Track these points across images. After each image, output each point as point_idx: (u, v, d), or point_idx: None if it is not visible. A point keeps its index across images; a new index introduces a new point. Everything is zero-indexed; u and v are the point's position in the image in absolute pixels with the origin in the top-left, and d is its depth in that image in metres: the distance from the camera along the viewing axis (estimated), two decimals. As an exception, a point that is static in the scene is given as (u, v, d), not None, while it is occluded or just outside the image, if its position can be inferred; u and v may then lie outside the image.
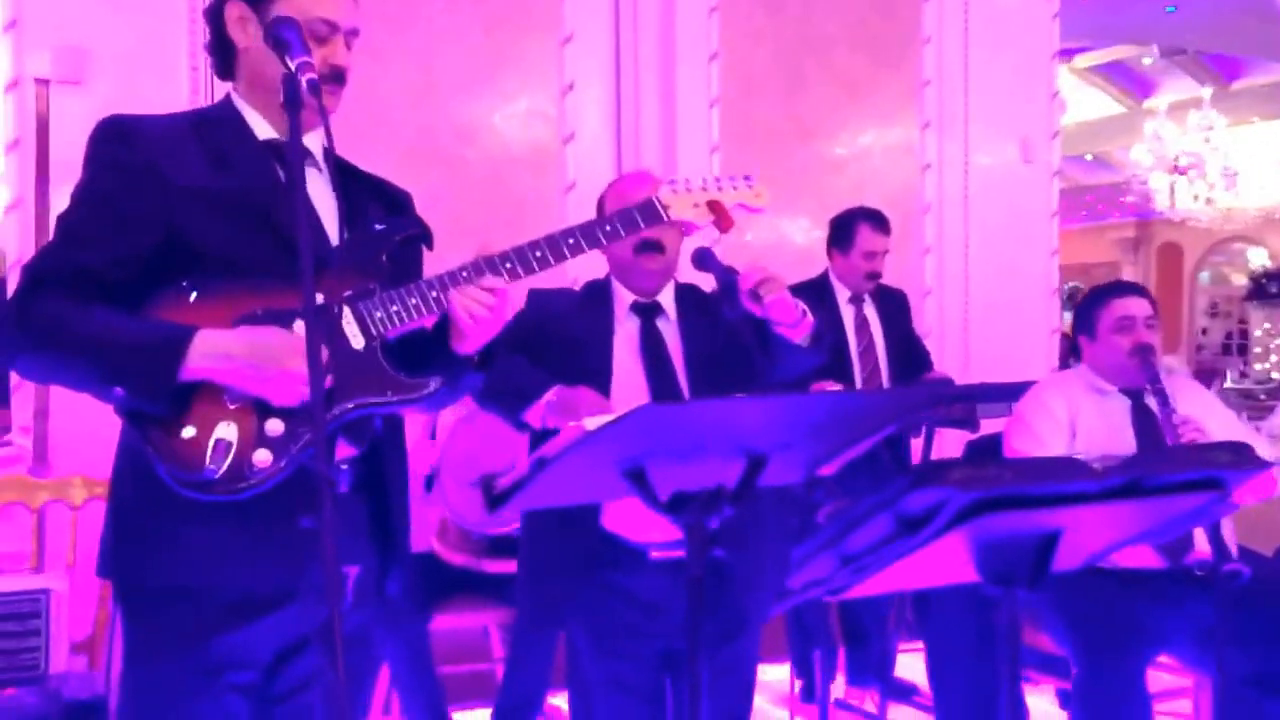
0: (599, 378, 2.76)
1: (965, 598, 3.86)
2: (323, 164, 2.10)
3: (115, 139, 2.00)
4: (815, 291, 4.61)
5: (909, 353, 4.75)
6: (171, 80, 4.42)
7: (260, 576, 1.95)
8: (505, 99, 5.22)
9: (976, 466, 1.79)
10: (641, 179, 2.85)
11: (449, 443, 3.84)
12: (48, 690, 2.84)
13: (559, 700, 4.43)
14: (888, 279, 4.80)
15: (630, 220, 2.23)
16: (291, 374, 1.87)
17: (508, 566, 3.93)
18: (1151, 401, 3.51)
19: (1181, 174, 10.46)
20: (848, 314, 4.66)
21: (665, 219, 2.26)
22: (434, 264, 2.14)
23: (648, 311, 2.88)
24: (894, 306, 4.80)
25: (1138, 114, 13.55)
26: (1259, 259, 16.94)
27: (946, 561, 2.05)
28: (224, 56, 2.13)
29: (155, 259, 1.95)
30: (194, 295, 1.95)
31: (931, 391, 2.52)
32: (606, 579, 2.76)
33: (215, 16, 2.11)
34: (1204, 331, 17.74)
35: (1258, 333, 16.21)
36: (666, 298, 2.92)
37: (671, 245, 2.87)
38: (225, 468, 1.86)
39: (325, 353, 1.87)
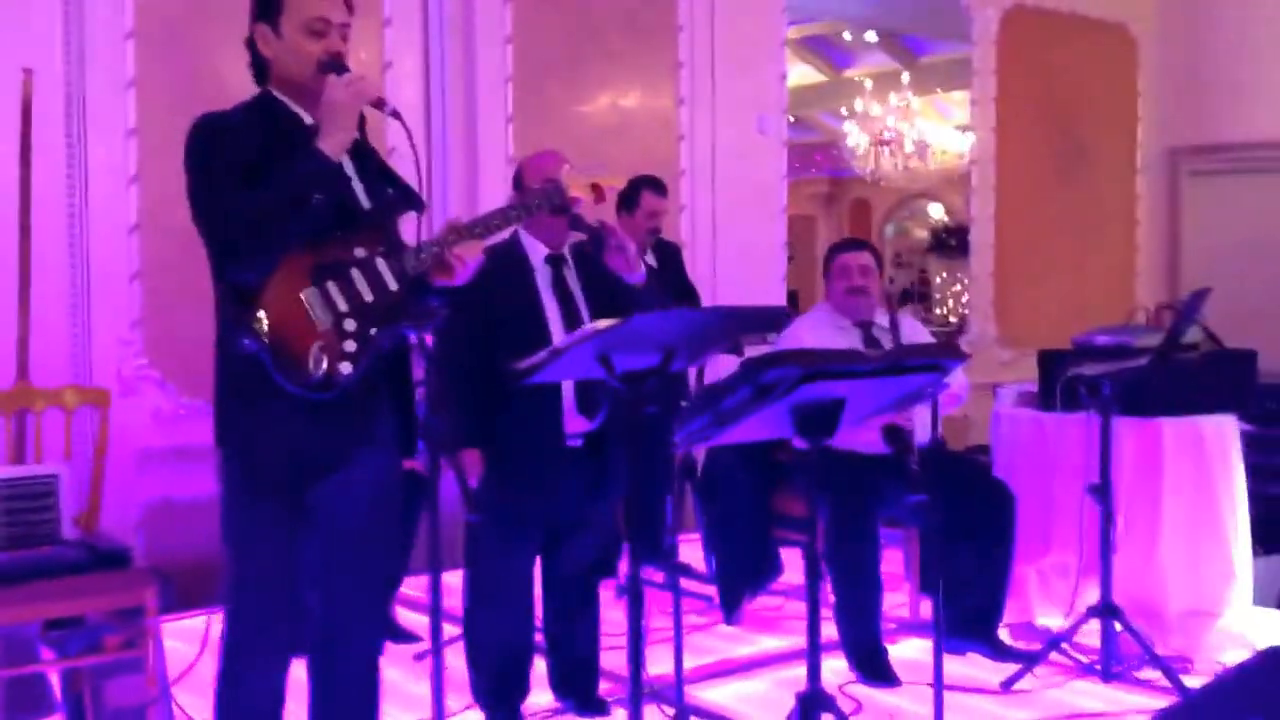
0: (534, 316, 3.74)
1: (741, 479, 4.99)
2: None
3: (214, 133, 2.81)
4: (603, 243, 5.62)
5: (683, 294, 5.82)
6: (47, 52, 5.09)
7: (338, 440, 2.85)
8: (331, 73, 6.00)
9: (804, 355, 2.87)
10: (554, 158, 3.80)
11: None
12: (83, 544, 3.66)
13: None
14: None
15: (547, 198, 3.20)
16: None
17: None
18: (877, 330, 4.68)
19: (885, 145, 12.05)
20: (631, 263, 5.67)
21: (567, 196, 3.24)
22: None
23: (557, 262, 3.85)
24: (669, 257, 5.88)
25: (838, 83, 15.07)
26: (937, 213, 18.79)
27: (774, 421, 3.12)
28: (259, 68, 2.98)
29: None
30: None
31: (769, 312, 3.60)
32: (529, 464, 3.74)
33: (250, 42, 2.97)
34: (891, 280, 19.54)
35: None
36: (565, 251, 3.90)
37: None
38: (322, 374, 2.72)
39: (370, 294, 2.79)
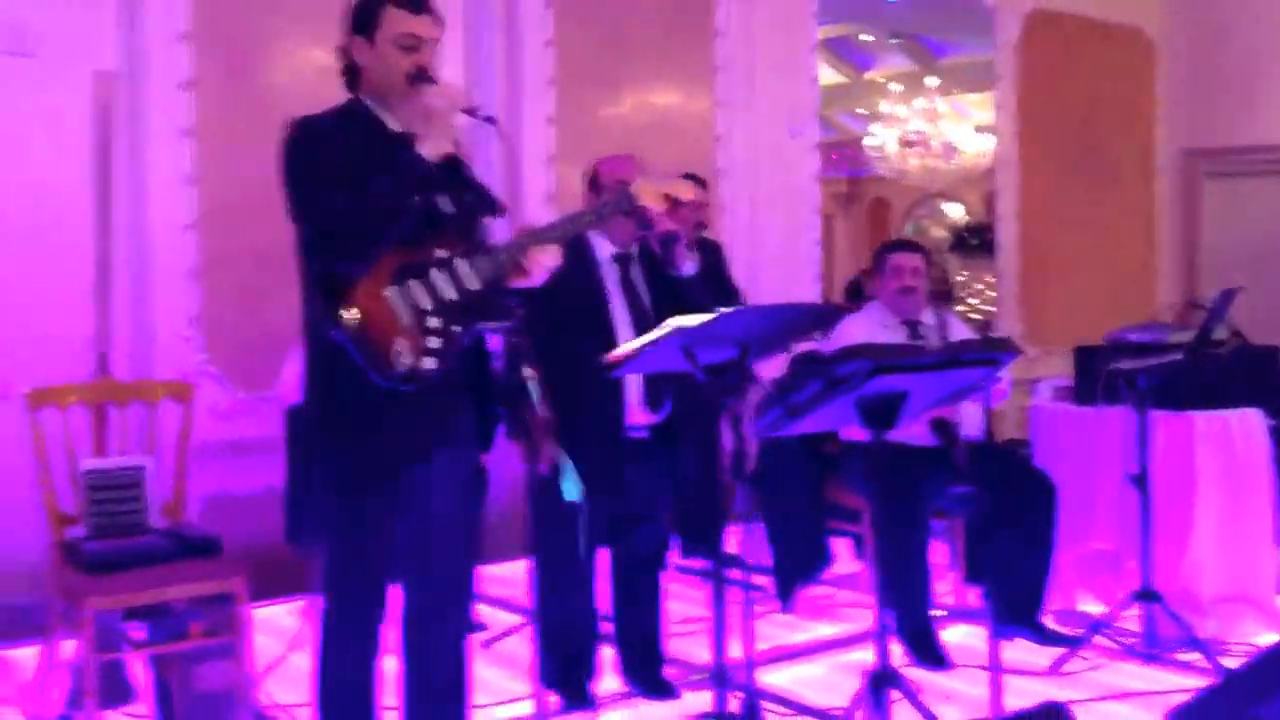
0: (602, 313, 3.90)
1: (794, 471, 5.14)
2: None
3: (308, 136, 2.99)
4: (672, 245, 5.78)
5: (726, 293, 5.96)
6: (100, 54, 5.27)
7: (422, 431, 3.01)
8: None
9: (873, 349, 3.04)
10: (629, 163, 3.97)
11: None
12: (173, 532, 3.83)
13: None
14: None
15: (618, 205, 3.38)
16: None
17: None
18: (923, 329, 4.84)
19: (912, 146, 12.22)
20: (675, 260, 5.83)
21: (636, 204, 3.40)
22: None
23: (625, 261, 4.02)
24: (711, 255, 6.03)
25: (857, 84, 15.21)
26: (955, 213, 18.91)
27: (839, 415, 3.28)
28: (351, 74, 3.15)
29: None
30: None
31: (839, 308, 3.78)
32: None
33: (344, 51, 3.13)
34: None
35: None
36: (632, 250, 4.06)
37: None
38: (406, 368, 2.89)
39: (451, 293, 2.95)
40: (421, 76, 3.00)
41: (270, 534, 4.96)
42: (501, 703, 4.15)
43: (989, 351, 3.32)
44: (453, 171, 3.10)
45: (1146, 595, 4.52)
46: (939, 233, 18.90)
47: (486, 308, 3.02)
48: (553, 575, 4.06)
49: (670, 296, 3.94)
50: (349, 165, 2.93)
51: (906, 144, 12.39)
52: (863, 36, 13.53)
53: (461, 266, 3.01)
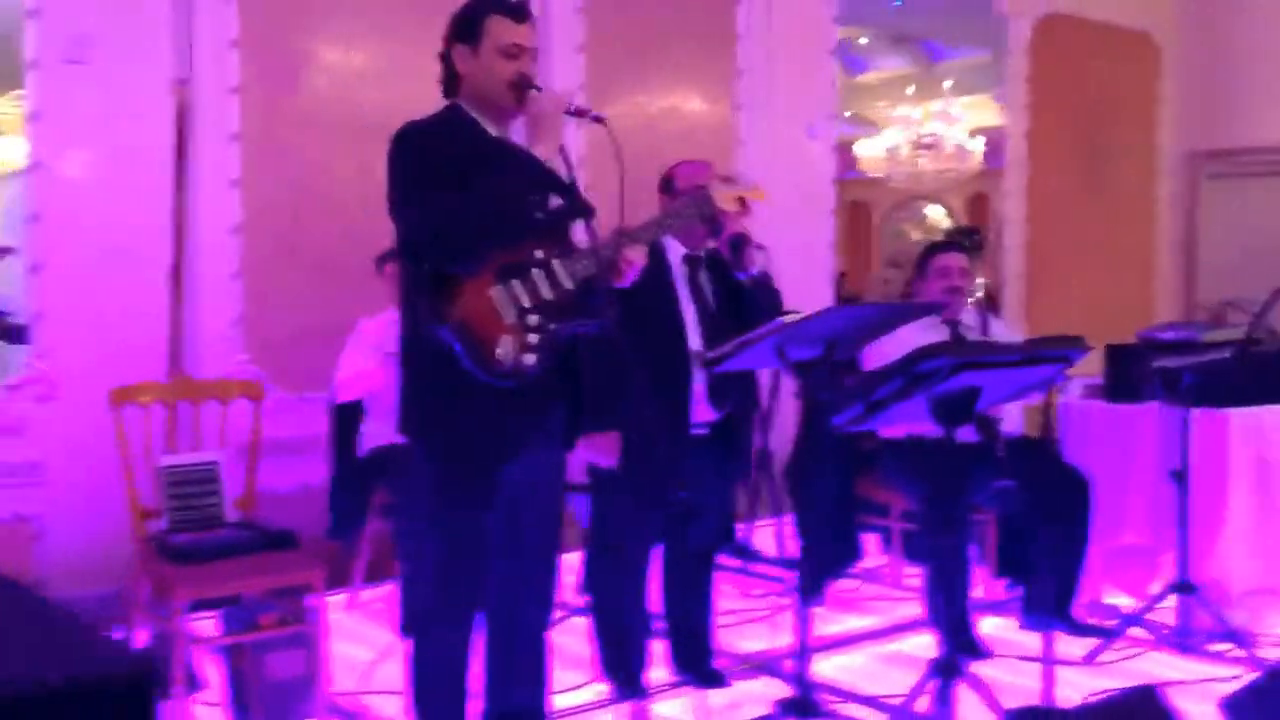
0: (672, 313, 4.02)
1: (826, 467, 5.26)
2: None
3: (416, 141, 3.09)
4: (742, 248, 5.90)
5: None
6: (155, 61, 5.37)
7: (518, 429, 3.12)
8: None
9: (958, 346, 3.16)
10: (704, 168, 4.10)
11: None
12: (251, 526, 3.93)
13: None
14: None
15: (698, 207, 3.52)
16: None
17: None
18: (963, 329, 4.98)
19: (926, 150, 12.37)
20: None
21: (714, 207, 3.53)
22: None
23: (694, 263, 4.14)
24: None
25: (846, 87, 15.33)
26: (935, 215, 19.06)
27: (912, 414, 3.40)
28: (450, 81, 3.25)
29: None
30: None
31: (924, 306, 3.89)
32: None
33: (446, 57, 3.24)
34: (886, 281, 19.71)
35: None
36: (700, 252, 4.18)
37: None
38: (510, 365, 3.01)
39: (549, 292, 3.06)
40: (526, 84, 3.11)
41: (310, 531, 5.07)
42: (555, 692, 4.24)
43: (1062, 348, 3.44)
44: (550, 173, 3.21)
45: (1184, 587, 4.66)
46: (918, 236, 19.06)
47: (581, 306, 3.13)
48: (610, 568, 4.18)
49: (734, 298, 4.07)
50: (457, 169, 3.03)
51: (923, 147, 12.53)
52: (861, 40, 13.66)
53: (558, 267, 3.12)
